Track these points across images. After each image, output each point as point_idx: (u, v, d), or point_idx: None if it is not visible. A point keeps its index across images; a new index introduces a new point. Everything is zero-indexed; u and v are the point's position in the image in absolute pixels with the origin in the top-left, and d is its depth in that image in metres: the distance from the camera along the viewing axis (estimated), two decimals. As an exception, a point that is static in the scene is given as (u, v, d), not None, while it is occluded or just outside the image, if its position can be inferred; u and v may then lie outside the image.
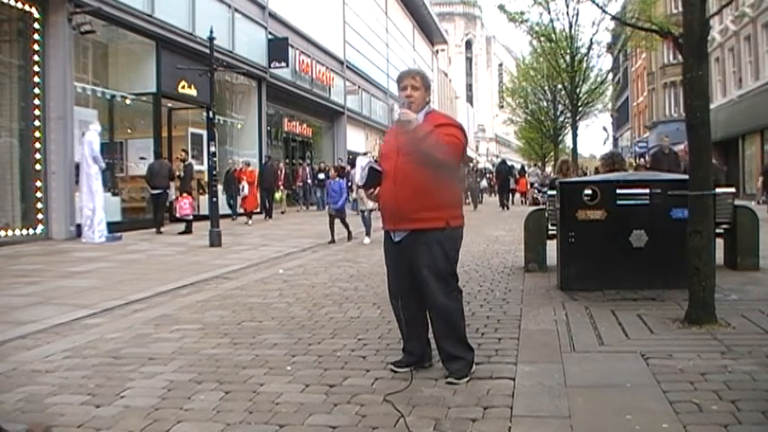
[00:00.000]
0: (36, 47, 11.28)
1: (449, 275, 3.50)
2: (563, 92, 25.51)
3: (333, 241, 11.14)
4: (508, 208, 23.41)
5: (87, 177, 11.17)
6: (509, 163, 28.21)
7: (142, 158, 14.42)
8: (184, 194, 13.37)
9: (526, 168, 35.74)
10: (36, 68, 11.27)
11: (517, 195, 28.36)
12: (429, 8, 44.54)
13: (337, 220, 11.50)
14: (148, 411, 3.12)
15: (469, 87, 79.34)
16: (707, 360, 3.56)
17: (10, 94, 11.39)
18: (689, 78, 4.44)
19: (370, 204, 10.40)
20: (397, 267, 3.61)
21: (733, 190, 7.42)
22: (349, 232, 11.56)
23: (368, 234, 11.24)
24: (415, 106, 3.51)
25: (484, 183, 32.12)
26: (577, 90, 23.98)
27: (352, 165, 18.00)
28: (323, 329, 4.71)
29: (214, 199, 11.47)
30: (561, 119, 30.39)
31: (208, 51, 12.11)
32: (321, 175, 20.52)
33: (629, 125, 51.87)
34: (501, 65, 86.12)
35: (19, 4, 11.01)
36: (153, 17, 13.87)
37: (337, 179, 11.54)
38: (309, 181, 22.34)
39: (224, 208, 15.73)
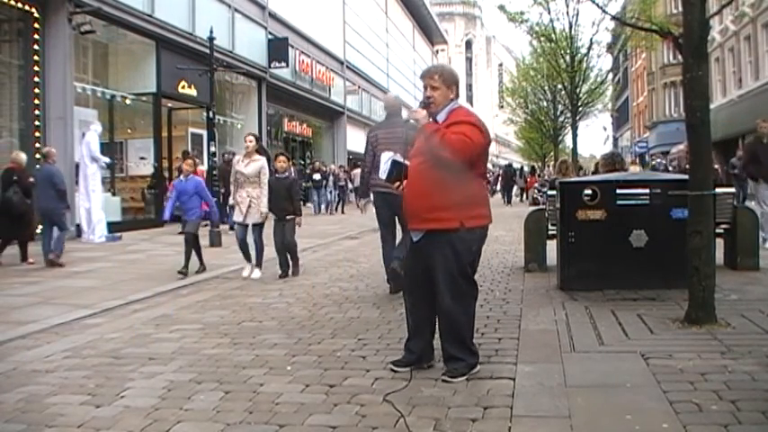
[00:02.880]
0: (36, 47, 11.29)
1: (459, 277, 3.47)
2: (563, 92, 25.52)
3: (184, 273, 7.32)
4: (510, 204, 25.84)
5: (85, 178, 11.18)
6: (515, 165, 29.43)
7: (142, 158, 14.44)
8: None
9: (536, 169, 36.27)
10: (36, 68, 11.27)
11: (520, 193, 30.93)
12: (429, 8, 44.54)
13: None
14: (148, 411, 3.13)
15: (469, 87, 79.27)
16: (707, 360, 3.56)
17: (10, 94, 11.40)
18: (689, 78, 4.44)
19: (256, 217, 7.25)
20: (413, 267, 3.64)
21: (733, 190, 7.42)
22: (200, 258, 7.75)
23: (258, 264, 7.46)
24: (435, 106, 3.54)
25: None
26: (577, 90, 23.97)
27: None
28: (323, 329, 4.71)
29: (214, 199, 11.48)
30: (561, 119, 30.37)
31: (208, 51, 12.14)
32: (317, 176, 20.20)
33: (629, 125, 51.87)
34: (501, 65, 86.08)
35: (19, 4, 11.01)
36: (153, 17, 13.87)
37: (192, 176, 7.83)
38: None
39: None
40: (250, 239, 7.42)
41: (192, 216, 7.66)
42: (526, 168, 37.23)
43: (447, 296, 3.47)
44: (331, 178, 21.03)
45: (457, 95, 3.61)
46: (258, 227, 7.39)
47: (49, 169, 8.84)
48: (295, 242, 7.44)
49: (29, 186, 8.64)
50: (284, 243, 7.31)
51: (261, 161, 7.37)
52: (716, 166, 15.31)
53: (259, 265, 7.48)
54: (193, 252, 7.60)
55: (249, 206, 7.26)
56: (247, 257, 7.46)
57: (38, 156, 11.19)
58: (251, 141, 7.45)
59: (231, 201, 7.59)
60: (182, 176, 8.03)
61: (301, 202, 7.78)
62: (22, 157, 9.11)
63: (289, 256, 7.44)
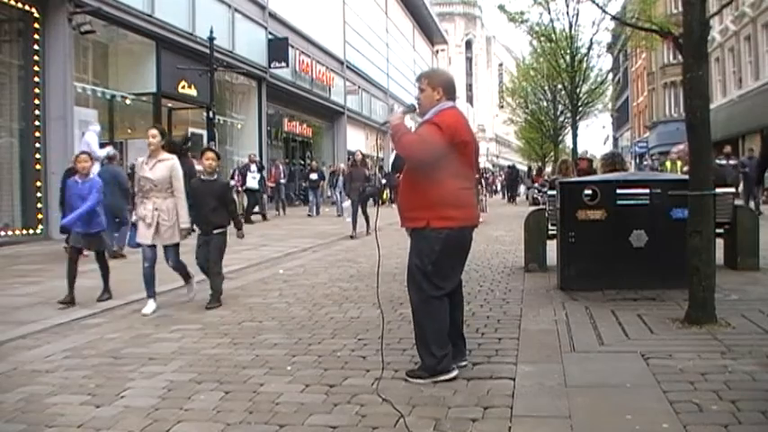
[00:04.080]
0: (36, 47, 11.29)
1: (420, 275, 3.47)
2: (563, 92, 25.55)
3: (70, 302, 5.75)
4: (515, 202, 26.99)
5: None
6: (521, 167, 30.33)
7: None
8: None
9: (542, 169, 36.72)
10: (36, 68, 11.27)
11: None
12: (429, 8, 44.53)
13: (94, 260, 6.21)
14: (148, 411, 3.13)
15: (469, 87, 79.21)
16: (707, 360, 3.56)
17: (10, 94, 11.40)
18: (689, 78, 4.44)
19: (170, 237, 5.59)
20: None
21: (733, 190, 7.41)
22: (107, 281, 6.12)
23: (151, 295, 5.63)
24: (421, 107, 3.63)
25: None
26: (577, 90, 23.99)
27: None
28: (323, 329, 4.72)
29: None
30: (561, 119, 30.42)
31: (208, 51, 12.14)
32: (313, 176, 19.81)
33: (629, 125, 51.87)
34: (501, 65, 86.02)
35: (19, 4, 11.01)
36: (153, 17, 13.88)
37: (90, 177, 6.24)
38: (283, 181, 19.48)
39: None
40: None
41: (97, 227, 6.04)
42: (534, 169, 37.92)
43: (413, 294, 3.53)
44: (341, 179, 20.13)
45: (447, 96, 3.58)
46: (173, 248, 5.69)
47: (115, 169, 9.61)
48: (220, 266, 5.82)
49: None
50: (206, 265, 5.76)
51: (171, 161, 5.63)
52: (735, 162, 15.06)
53: (187, 280, 5.94)
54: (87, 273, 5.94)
55: (158, 223, 5.52)
56: (151, 291, 5.63)
57: (37, 156, 11.28)
58: (155, 137, 5.61)
59: (134, 216, 5.78)
60: (77, 176, 6.17)
61: (239, 211, 5.97)
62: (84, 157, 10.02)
63: (210, 283, 5.79)
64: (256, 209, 16.26)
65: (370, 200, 13.14)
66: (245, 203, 16.42)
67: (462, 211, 3.48)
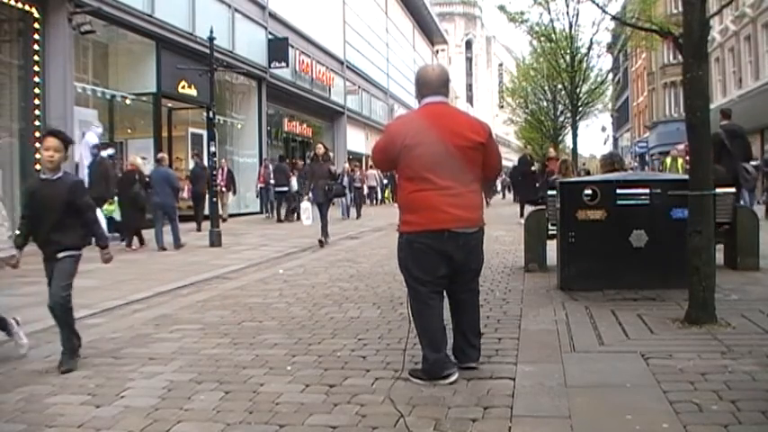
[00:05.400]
0: (36, 47, 11.28)
1: (404, 279, 3.57)
2: (563, 92, 25.58)
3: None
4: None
5: (85, 178, 11.18)
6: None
7: (143, 158, 14.44)
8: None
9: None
10: (36, 68, 11.26)
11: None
12: (429, 8, 44.56)
13: None
14: (148, 411, 3.13)
15: (469, 87, 79.19)
16: (707, 360, 3.56)
17: (10, 94, 11.39)
18: (689, 78, 4.44)
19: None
20: None
21: (733, 190, 7.41)
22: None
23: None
24: None
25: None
26: (577, 90, 24.01)
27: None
28: (323, 329, 4.71)
29: (214, 199, 11.49)
30: (561, 119, 30.44)
31: (208, 51, 12.12)
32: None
33: (629, 125, 51.88)
34: (501, 65, 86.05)
35: (19, 4, 11.01)
36: (153, 17, 13.88)
37: None
38: (273, 182, 17.80)
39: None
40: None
41: None
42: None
43: (408, 294, 3.59)
44: (345, 179, 18.92)
45: (422, 95, 3.54)
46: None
47: (165, 171, 10.78)
48: (68, 302, 4.00)
49: (148, 184, 10.64)
50: (52, 301, 3.94)
51: None
52: (757, 163, 14.93)
53: (5, 328, 4.16)
54: None
55: None
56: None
57: (37, 156, 11.27)
58: None
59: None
60: None
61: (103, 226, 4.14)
62: (140, 160, 11.36)
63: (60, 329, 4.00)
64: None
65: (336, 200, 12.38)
66: (223, 203, 16.89)
67: (420, 214, 3.35)
